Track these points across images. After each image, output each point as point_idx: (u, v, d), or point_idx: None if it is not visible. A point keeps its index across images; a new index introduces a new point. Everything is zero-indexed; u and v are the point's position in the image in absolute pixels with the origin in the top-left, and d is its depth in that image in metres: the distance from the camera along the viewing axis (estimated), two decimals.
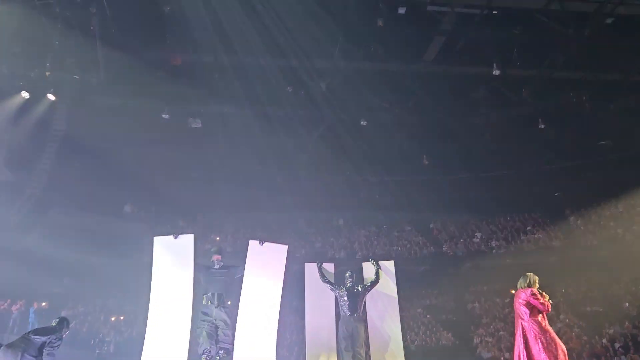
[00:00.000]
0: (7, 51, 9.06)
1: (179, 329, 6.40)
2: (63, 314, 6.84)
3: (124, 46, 9.50)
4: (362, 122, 11.04)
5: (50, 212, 11.41)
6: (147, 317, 6.53)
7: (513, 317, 6.05)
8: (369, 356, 6.89)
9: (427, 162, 12.06)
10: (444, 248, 13.71)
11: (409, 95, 11.01)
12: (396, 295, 7.31)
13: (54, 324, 6.79)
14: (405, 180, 11.65)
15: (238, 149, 10.98)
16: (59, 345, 6.57)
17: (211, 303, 6.32)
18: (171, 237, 6.81)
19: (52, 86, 10.15)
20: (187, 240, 6.82)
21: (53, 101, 10.44)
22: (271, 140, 10.86)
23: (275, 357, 6.60)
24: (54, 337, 6.66)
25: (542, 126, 11.44)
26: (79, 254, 10.00)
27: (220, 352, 6.18)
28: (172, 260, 6.82)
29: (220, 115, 10.95)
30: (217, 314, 6.31)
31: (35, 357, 6.58)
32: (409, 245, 12.73)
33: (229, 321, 6.24)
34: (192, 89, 10.35)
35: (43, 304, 10.86)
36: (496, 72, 10.03)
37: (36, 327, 6.83)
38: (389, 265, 7.37)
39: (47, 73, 9.85)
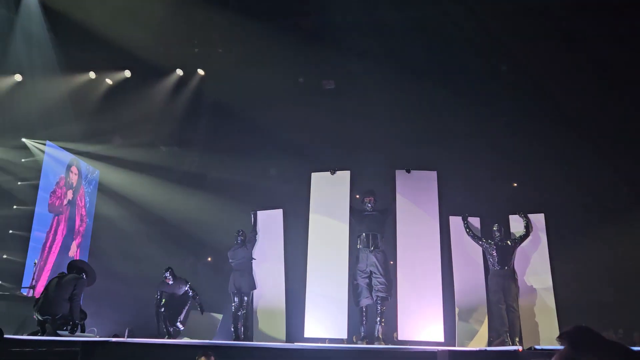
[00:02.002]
0: (160, 32, 9.96)
1: (337, 268, 6.68)
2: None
3: (258, 16, 9.96)
4: (502, 68, 10.43)
5: (208, 178, 12.66)
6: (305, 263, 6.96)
7: None
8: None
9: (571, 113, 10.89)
10: (602, 200, 12.48)
11: (554, 33, 9.96)
12: (547, 249, 7.03)
13: None
14: (555, 129, 10.70)
15: (372, 107, 11.01)
16: None
17: (365, 247, 6.45)
18: (328, 172, 7.16)
19: (200, 62, 11.19)
20: (343, 177, 7.13)
21: (202, 76, 11.51)
22: (406, 96, 10.68)
23: (442, 298, 6.53)
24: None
25: None
26: (234, 215, 10.99)
27: (378, 301, 6.29)
28: (329, 196, 7.12)
29: (352, 74, 11.03)
30: (370, 258, 6.37)
31: None
32: (561, 197, 11.81)
33: (382, 266, 6.32)
34: (323, 51, 10.53)
35: (208, 259, 12.29)
36: None
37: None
38: (539, 218, 7.05)
39: (196, 50, 10.84)
